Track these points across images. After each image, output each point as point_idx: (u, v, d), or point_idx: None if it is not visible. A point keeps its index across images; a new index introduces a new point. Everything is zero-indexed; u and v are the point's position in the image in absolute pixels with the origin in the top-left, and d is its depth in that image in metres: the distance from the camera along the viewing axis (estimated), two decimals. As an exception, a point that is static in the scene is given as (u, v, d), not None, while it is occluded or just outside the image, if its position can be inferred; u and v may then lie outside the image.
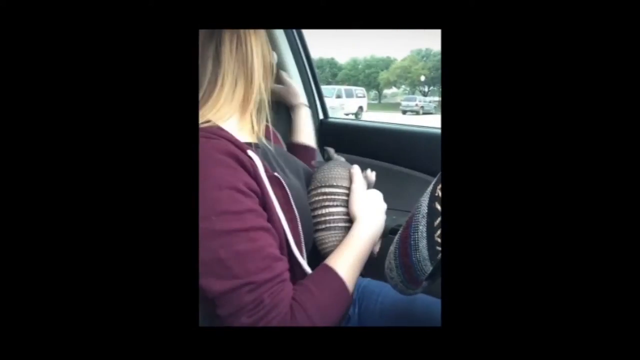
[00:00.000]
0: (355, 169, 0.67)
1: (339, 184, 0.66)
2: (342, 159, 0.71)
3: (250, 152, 0.55)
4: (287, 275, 0.53)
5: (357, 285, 0.76)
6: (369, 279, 0.79)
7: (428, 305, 0.71)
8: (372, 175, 0.69)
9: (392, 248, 0.74)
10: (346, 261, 0.57)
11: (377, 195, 0.66)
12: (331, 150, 0.72)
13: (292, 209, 0.57)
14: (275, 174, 0.58)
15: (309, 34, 1.40)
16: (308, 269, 0.57)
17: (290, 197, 0.58)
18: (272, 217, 0.54)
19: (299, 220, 0.57)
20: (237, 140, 0.54)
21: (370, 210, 0.63)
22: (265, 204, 0.54)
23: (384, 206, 0.67)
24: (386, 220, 0.76)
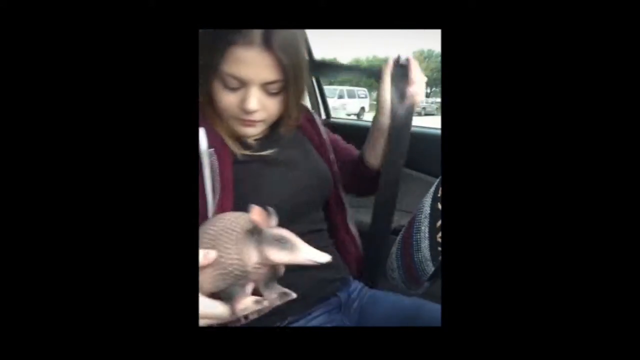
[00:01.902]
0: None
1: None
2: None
3: (201, 129, 0.61)
4: None
5: (362, 295, 0.75)
6: (374, 290, 0.78)
7: (433, 315, 0.69)
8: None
9: (393, 249, 0.74)
10: None
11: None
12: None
13: (228, 187, 0.61)
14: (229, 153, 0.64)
15: (312, 34, 1.40)
16: None
17: (231, 177, 0.62)
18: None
19: (231, 200, 0.61)
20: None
21: None
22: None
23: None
24: (385, 222, 0.75)
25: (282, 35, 0.58)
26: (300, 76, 0.63)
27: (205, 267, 0.46)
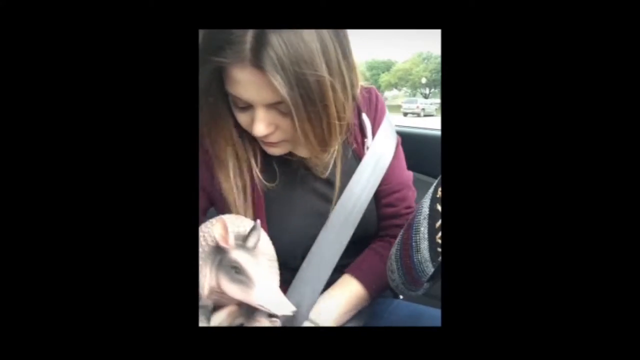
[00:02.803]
0: None
1: None
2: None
3: None
4: None
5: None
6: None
7: (435, 321, 0.69)
8: None
9: (393, 250, 0.74)
10: None
11: None
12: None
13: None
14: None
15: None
16: None
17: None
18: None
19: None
20: None
21: None
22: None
23: None
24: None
25: (276, 51, 0.47)
26: (313, 98, 0.50)
27: None
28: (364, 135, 0.68)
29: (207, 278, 0.41)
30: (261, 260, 0.41)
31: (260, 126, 0.52)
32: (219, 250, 0.41)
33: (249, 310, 0.43)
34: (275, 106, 0.53)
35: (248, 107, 0.54)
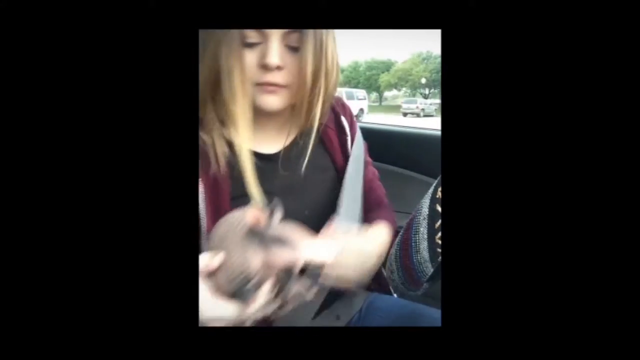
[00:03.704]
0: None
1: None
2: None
3: None
4: None
5: (364, 300, 0.75)
6: (375, 293, 0.78)
7: (434, 320, 0.69)
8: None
9: (392, 250, 0.74)
10: None
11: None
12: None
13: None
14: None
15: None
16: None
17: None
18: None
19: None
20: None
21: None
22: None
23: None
24: None
25: None
26: (318, 46, 0.57)
27: (216, 270, 0.45)
28: (344, 133, 0.73)
29: (256, 256, 0.45)
30: (290, 226, 0.47)
31: (275, 56, 0.55)
32: (254, 232, 0.46)
33: (285, 278, 0.49)
34: (287, 38, 0.56)
35: (259, 41, 0.55)
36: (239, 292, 0.46)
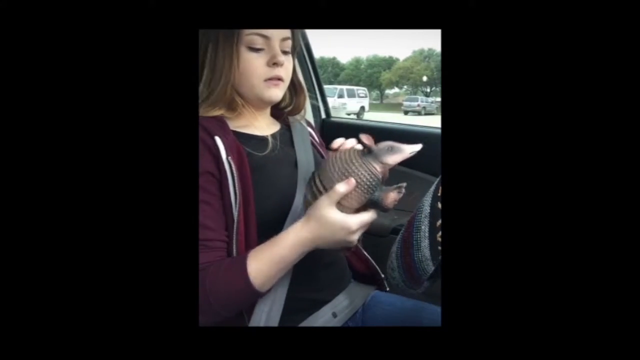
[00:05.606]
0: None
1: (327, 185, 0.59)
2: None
3: (216, 138, 0.62)
4: (211, 243, 0.58)
5: (364, 298, 0.77)
6: (376, 291, 0.79)
7: (435, 315, 0.70)
8: (390, 196, 0.59)
9: (393, 248, 0.74)
10: (260, 257, 0.58)
11: (350, 221, 0.58)
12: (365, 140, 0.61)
13: (249, 192, 0.62)
14: (247, 159, 0.64)
15: (312, 34, 1.40)
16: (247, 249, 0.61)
17: (251, 182, 0.63)
18: (224, 197, 0.62)
19: (252, 203, 0.62)
20: (209, 127, 0.63)
21: (321, 223, 0.58)
22: (222, 185, 0.62)
23: (346, 236, 0.58)
24: (387, 220, 0.75)
25: None
26: (298, 37, 0.74)
27: (348, 192, 0.57)
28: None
29: (377, 166, 0.59)
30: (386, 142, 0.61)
31: (281, 55, 0.68)
32: (365, 153, 0.59)
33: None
34: (282, 44, 0.69)
35: (264, 47, 0.67)
36: (372, 199, 0.59)
